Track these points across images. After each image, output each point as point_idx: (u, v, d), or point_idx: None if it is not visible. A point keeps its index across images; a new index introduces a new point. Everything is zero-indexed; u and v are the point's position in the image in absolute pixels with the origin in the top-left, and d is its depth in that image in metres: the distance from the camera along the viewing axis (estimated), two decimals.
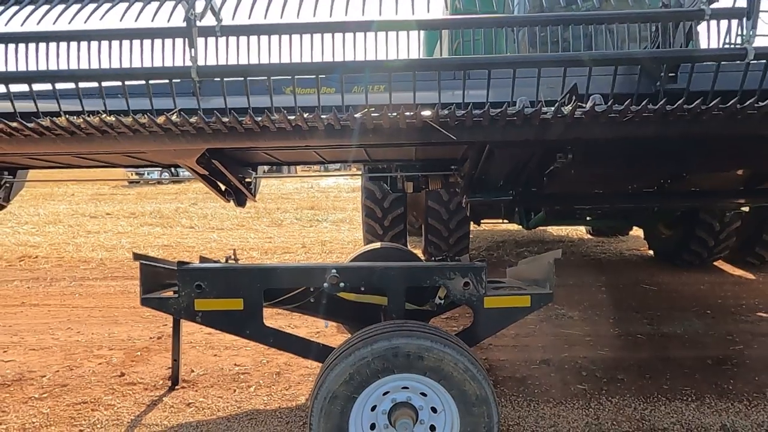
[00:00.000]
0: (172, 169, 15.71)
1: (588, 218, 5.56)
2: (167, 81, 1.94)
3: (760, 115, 1.66)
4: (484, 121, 1.75)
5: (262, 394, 2.91)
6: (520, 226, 5.24)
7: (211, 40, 2.02)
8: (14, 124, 1.75)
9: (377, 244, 3.93)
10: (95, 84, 1.91)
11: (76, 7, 1.98)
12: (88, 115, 1.77)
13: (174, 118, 1.75)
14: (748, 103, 1.62)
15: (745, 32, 1.93)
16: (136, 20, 1.97)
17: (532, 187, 2.69)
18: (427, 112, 1.73)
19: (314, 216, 11.03)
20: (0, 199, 3.03)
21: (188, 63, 1.87)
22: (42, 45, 1.94)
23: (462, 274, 2.19)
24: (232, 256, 2.70)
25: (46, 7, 1.97)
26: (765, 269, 5.80)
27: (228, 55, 2.03)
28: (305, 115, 1.74)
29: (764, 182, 2.83)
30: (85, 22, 1.97)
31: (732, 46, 2.02)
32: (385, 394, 1.93)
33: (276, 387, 2.99)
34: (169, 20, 2.01)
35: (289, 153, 3.02)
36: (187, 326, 3.22)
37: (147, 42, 1.98)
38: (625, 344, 3.66)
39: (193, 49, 1.88)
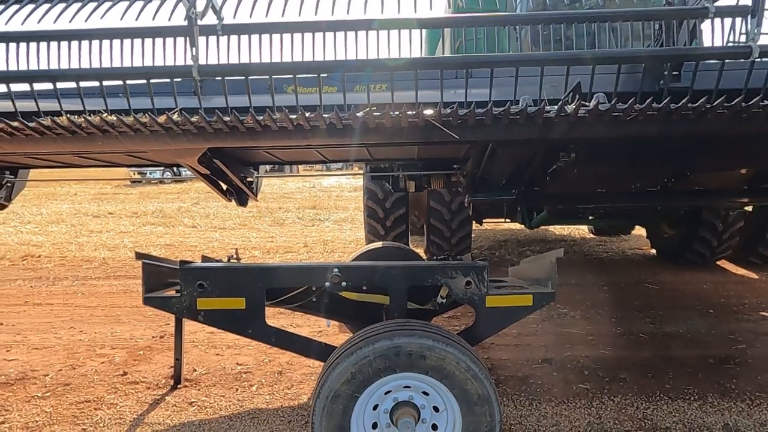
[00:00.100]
0: (175, 169, 15.71)
1: (591, 217, 5.54)
2: (168, 80, 1.94)
3: (765, 113, 1.65)
4: (487, 119, 1.74)
5: (265, 393, 2.92)
6: (523, 226, 5.23)
7: (213, 39, 2.01)
8: (15, 124, 1.75)
9: (379, 244, 3.92)
10: (96, 83, 1.91)
11: (76, 6, 1.98)
12: (90, 115, 1.77)
13: (175, 117, 1.75)
14: (753, 101, 1.61)
15: (749, 30, 1.92)
16: (136, 19, 1.97)
17: (535, 187, 2.68)
18: (429, 111, 1.73)
19: (316, 215, 11.04)
20: (1, 198, 3.03)
21: (189, 62, 1.87)
22: (43, 44, 1.94)
23: (464, 273, 2.19)
24: (234, 256, 2.70)
25: (46, 6, 1.97)
26: None
27: (229, 54, 2.03)
28: (307, 114, 1.73)
29: None
30: (86, 21, 1.97)
31: (736, 44, 2.00)
32: (387, 393, 1.93)
33: (278, 386, 2.99)
34: (170, 19, 2.01)
35: (291, 152, 3.02)
36: (189, 325, 3.22)
37: (148, 41, 1.97)
38: (628, 343, 3.65)
39: (194, 48, 1.87)
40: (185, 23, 1.89)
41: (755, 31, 1.84)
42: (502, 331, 2.50)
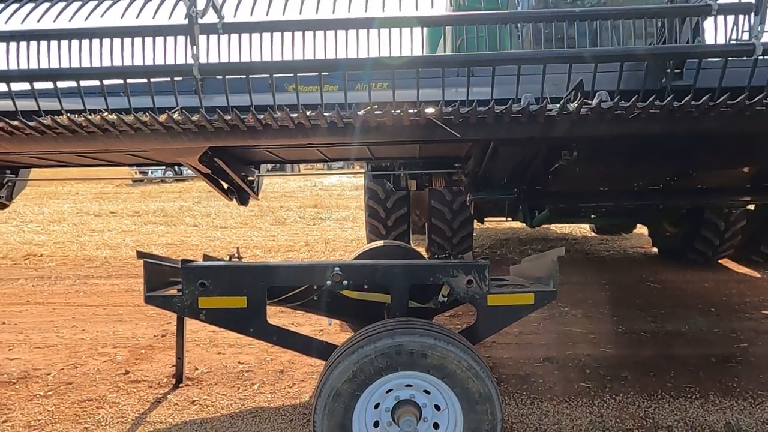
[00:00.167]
0: (176, 168, 15.74)
1: (592, 216, 5.53)
2: (169, 79, 1.94)
3: None
4: (489, 118, 1.73)
5: (266, 391, 2.92)
6: (524, 224, 5.22)
7: (213, 37, 2.01)
8: (15, 123, 1.75)
9: (380, 242, 3.92)
10: (97, 82, 1.90)
11: (76, 4, 1.97)
12: (90, 114, 1.77)
13: (176, 116, 1.75)
14: (756, 99, 1.60)
15: (752, 27, 1.91)
16: (137, 18, 1.97)
17: (537, 185, 2.67)
18: (430, 110, 1.72)
19: (317, 214, 11.04)
20: (2, 197, 3.03)
21: (190, 61, 1.86)
22: (43, 43, 1.94)
23: (465, 271, 2.19)
24: (236, 255, 2.70)
25: (46, 5, 1.97)
26: None
27: (230, 53, 2.02)
28: (308, 113, 1.73)
29: None
30: (86, 19, 1.96)
31: (739, 41, 1.99)
32: (388, 391, 1.93)
33: (280, 385, 2.99)
34: (170, 17, 2.00)
35: (292, 151, 3.01)
36: (191, 324, 3.22)
37: (148, 40, 1.97)
38: (629, 342, 3.65)
39: (194, 47, 1.87)
40: (186, 22, 1.88)
41: (758, 28, 1.83)
42: (504, 330, 2.49)
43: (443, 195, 5.34)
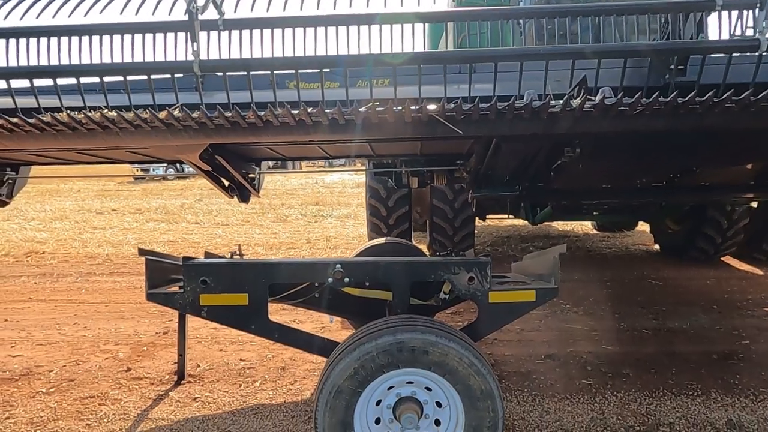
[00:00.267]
0: (177, 165, 15.76)
1: (595, 213, 5.52)
2: (169, 76, 1.93)
3: None
4: (491, 114, 1.72)
5: (268, 388, 2.93)
6: (526, 222, 5.21)
7: (214, 34, 2.00)
8: (15, 120, 1.74)
9: (382, 240, 3.92)
10: (96, 79, 1.90)
11: (75, 0, 1.96)
12: (90, 111, 1.76)
13: (176, 113, 1.74)
14: (762, 95, 1.58)
15: (757, 23, 1.89)
16: (136, 14, 1.96)
17: (539, 182, 2.66)
18: (432, 106, 1.71)
19: (319, 211, 11.04)
20: (3, 195, 3.03)
21: (190, 57, 1.86)
22: (42, 40, 1.93)
23: (467, 269, 2.18)
24: (237, 252, 2.70)
25: (45, 1, 1.95)
26: None
27: (230, 50, 2.01)
28: (309, 110, 1.72)
29: None
30: (85, 15, 1.95)
31: (744, 37, 1.97)
32: (389, 388, 1.93)
33: (281, 382, 3.00)
34: (170, 14, 1.99)
35: (293, 148, 3.00)
36: (192, 321, 3.23)
37: (148, 36, 1.96)
38: (631, 339, 3.64)
39: (195, 43, 1.86)
40: (186, 18, 1.87)
41: (764, 23, 1.81)
42: (505, 327, 2.50)
43: (445, 193, 5.33)
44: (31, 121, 1.75)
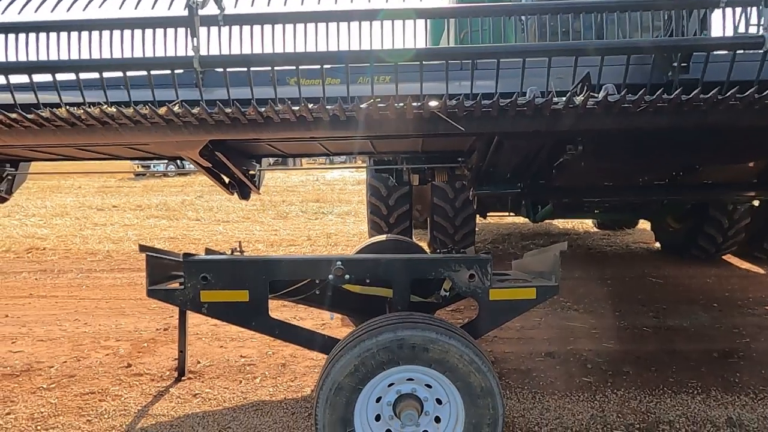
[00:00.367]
0: (178, 162, 15.76)
1: (596, 211, 5.51)
2: (169, 72, 1.92)
3: None
4: (494, 111, 1.71)
5: (268, 385, 2.93)
6: (527, 219, 5.20)
7: (214, 29, 1.99)
8: (13, 116, 1.73)
9: (382, 237, 3.92)
10: (96, 75, 1.89)
11: None
12: (89, 107, 1.75)
13: (176, 109, 1.73)
14: (766, 92, 1.57)
15: (761, 20, 1.87)
16: (135, 8, 1.94)
17: (541, 180, 2.65)
18: (434, 103, 1.70)
19: (320, 209, 11.03)
20: (2, 191, 3.02)
21: (190, 53, 1.84)
22: (41, 35, 1.92)
23: (467, 266, 2.18)
24: (238, 248, 2.70)
25: None
26: None
27: (231, 45, 2.00)
28: (310, 106, 1.71)
29: None
30: (84, 10, 1.94)
31: (747, 34, 1.96)
32: (390, 385, 1.93)
33: (281, 378, 3.00)
34: (169, 8, 1.98)
35: (294, 145, 3.00)
36: (193, 318, 3.23)
37: (148, 32, 1.95)
38: (631, 337, 3.64)
39: (195, 39, 1.85)
40: (186, 13, 1.86)
41: None
42: (505, 325, 2.49)
43: (445, 192, 5.33)
44: (29, 116, 1.74)
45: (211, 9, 1.96)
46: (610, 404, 2.67)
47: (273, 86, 1.86)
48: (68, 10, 1.94)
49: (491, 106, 1.69)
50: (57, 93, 1.85)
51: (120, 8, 1.97)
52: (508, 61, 1.89)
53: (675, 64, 2.08)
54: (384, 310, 2.41)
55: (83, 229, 8.69)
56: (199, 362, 3.23)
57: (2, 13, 1.96)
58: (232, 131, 1.88)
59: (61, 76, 1.88)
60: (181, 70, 1.96)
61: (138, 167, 16.90)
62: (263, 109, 1.73)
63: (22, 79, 1.90)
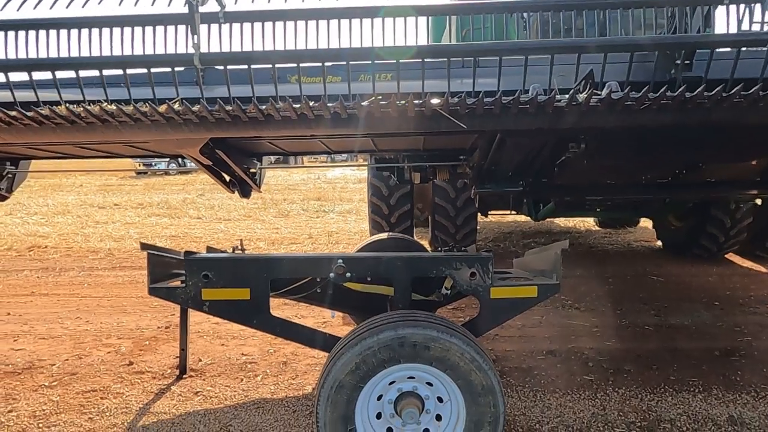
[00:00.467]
0: (180, 160, 15.75)
1: (598, 209, 5.50)
2: (169, 69, 1.91)
3: None
4: (496, 109, 1.70)
5: (269, 383, 2.93)
6: (528, 218, 5.20)
7: (214, 26, 1.97)
8: (13, 113, 1.73)
9: (384, 235, 3.91)
10: (96, 72, 1.88)
11: None
12: (89, 104, 1.74)
13: (176, 106, 1.73)
14: None
15: (767, 17, 1.86)
16: (135, 5, 1.93)
17: (543, 178, 2.64)
18: (436, 100, 1.69)
19: (321, 207, 11.03)
20: (2, 189, 3.02)
21: (191, 50, 1.84)
22: (41, 32, 1.91)
23: (468, 264, 2.17)
24: (239, 247, 2.69)
25: None
26: None
27: (231, 43, 1.99)
28: (311, 104, 1.70)
29: None
30: (83, 7, 1.93)
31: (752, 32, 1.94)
32: (391, 383, 1.93)
33: (283, 376, 3.01)
34: (169, 5, 1.97)
35: (295, 143, 2.99)
36: (194, 316, 3.24)
37: (148, 29, 1.94)
38: (632, 335, 3.64)
39: (195, 36, 1.84)
40: (186, 10, 1.85)
41: None
42: (506, 323, 2.49)
43: (447, 192, 5.33)
44: (29, 114, 1.73)
45: (211, 6, 1.95)
46: (611, 402, 2.67)
47: (274, 84, 1.86)
48: (67, 7, 1.93)
49: (493, 103, 1.68)
50: (57, 91, 1.84)
51: (119, 5, 1.96)
52: (510, 59, 1.88)
53: (678, 62, 2.07)
54: (385, 308, 2.40)
55: (85, 228, 8.71)
56: (200, 360, 3.24)
57: (1, 10, 1.95)
58: (233, 129, 1.88)
59: (60, 74, 1.87)
60: (182, 68, 1.94)
61: (139, 165, 16.91)
62: (264, 107, 1.73)
63: (21, 76, 1.89)
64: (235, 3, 2.02)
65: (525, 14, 3.43)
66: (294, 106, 1.71)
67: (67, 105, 1.75)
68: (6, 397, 2.78)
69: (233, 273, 2.21)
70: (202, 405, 2.68)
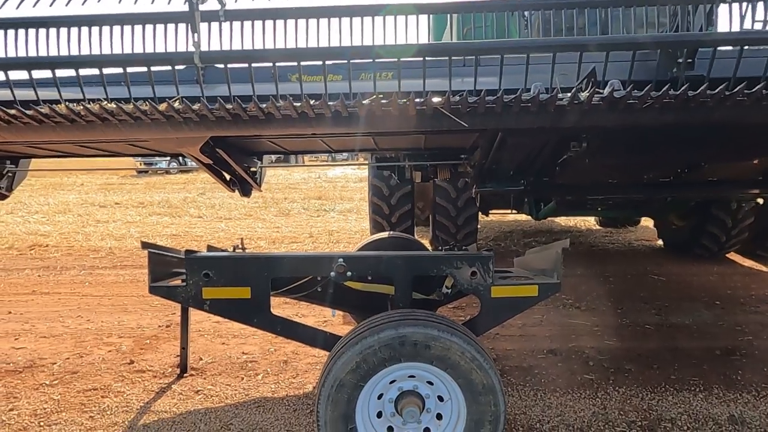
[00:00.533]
0: (180, 159, 15.75)
1: (599, 208, 5.49)
2: (169, 67, 1.90)
3: None
4: (497, 107, 1.70)
5: (270, 382, 2.93)
6: (529, 217, 5.19)
7: (215, 24, 1.97)
8: (13, 112, 1.73)
9: (384, 234, 3.91)
10: (96, 71, 1.87)
11: None
12: (89, 103, 1.74)
13: (176, 105, 1.72)
14: None
15: None
16: (135, 3, 1.93)
17: (544, 177, 2.64)
18: (437, 99, 1.69)
19: (321, 206, 11.03)
20: (2, 188, 3.02)
21: (191, 48, 1.83)
22: (40, 30, 1.91)
23: (469, 263, 2.17)
24: (240, 246, 2.69)
25: None
26: None
27: (232, 41, 1.99)
28: (312, 102, 1.70)
29: None
30: (83, 4, 1.93)
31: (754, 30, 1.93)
32: (391, 382, 1.93)
33: (283, 375, 3.01)
34: (169, 3, 1.96)
35: (295, 142, 2.98)
36: (195, 315, 3.24)
37: (148, 27, 1.93)
38: (633, 334, 3.64)
39: (195, 34, 1.84)
40: (186, 8, 1.85)
41: None
42: (507, 322, 2.49)
43: (448, 192, 5.33)
44: (29, 112, 1.73)
45: (211, 4, 1.94)
46: (611, 401, 2.66)
47: (274, 82, 1.85)
48: (67, 5, 1.92)
49: (495, 102, 1.67)
50: (57, 89, 1.83)
51: (119, 3, 1.95)
52: (511, 57, 1.88)
53: (680, 61, 2.06)
54: (386, 307, 2.40)
55: (86, 226, 8.71)
56: (201, 359, 3.24)
57: (1, 8, 1.94)
58: (234, 128, 1.87)
59: (60, 72, 1.87)
60: (182, 66, 1.94)
61: (140, 164, 16.92)
62: (265, 106, 1.72)
63: (21, 75, 1.89)
64: (236, 1, 2.01)
65: (526, 13, 3.42)
66: (295, 104, 1.70)
67: (67, 103, 1.74)
68: (7, 395, 2.78)
69: (234, 272, 2.21)
70: (202, 404, 2.69)
